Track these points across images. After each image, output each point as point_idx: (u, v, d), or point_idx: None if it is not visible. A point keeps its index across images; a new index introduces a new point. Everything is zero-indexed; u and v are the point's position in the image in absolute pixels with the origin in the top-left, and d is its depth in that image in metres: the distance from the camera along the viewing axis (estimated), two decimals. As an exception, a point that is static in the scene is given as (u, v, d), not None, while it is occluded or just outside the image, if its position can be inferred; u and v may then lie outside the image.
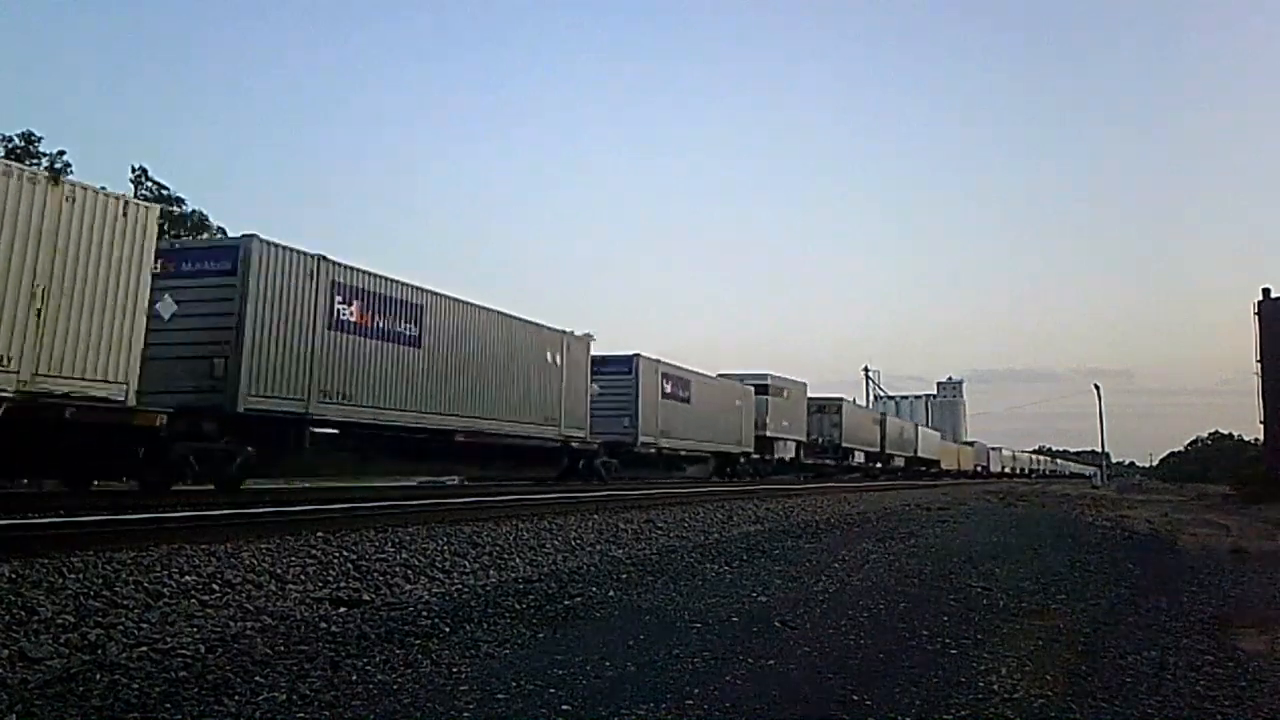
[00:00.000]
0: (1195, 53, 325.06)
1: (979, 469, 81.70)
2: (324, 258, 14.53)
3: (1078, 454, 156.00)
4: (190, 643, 4.17)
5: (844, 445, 43.46)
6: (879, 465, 51.46)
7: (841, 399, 46.20)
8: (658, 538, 10.11)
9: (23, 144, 35.01)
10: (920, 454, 60.74)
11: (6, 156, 29.92)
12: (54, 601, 4.79)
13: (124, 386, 11.03)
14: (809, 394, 41.92)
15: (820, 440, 41.63)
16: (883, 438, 51.56)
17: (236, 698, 3.37)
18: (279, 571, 6.20)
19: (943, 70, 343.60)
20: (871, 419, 52.16)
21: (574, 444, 22.10)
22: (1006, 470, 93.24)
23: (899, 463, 56.21)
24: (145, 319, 11.41)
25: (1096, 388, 79.64)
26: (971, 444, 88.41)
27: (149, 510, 9.15)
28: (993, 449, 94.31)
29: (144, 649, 4.04)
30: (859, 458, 47.33)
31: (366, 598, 5.64)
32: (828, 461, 42.22)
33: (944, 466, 68.21)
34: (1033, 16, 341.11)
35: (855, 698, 3.75)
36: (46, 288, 10.24)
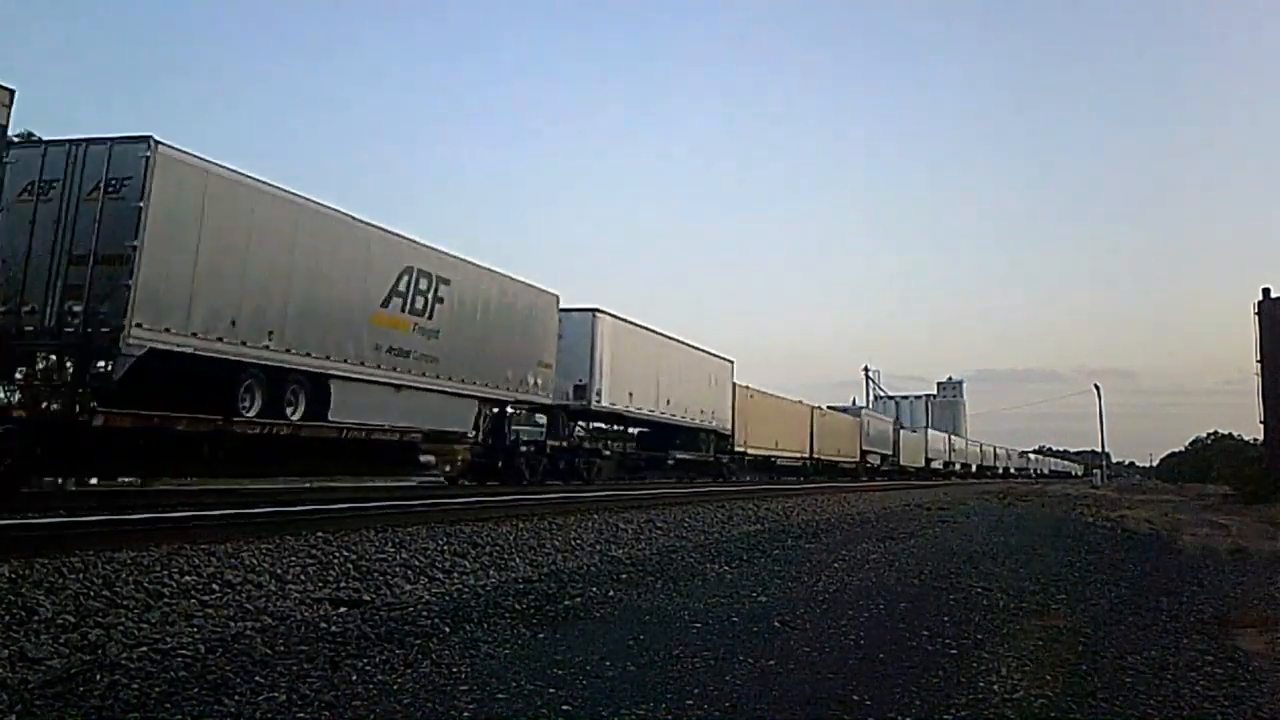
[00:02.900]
0: (1195, 52, 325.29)
1: (882, 463, 50.54)
2: None
3: (1078, 454, 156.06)
4: (190, 643, 4.17)
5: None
6: (514, 446, 19.80)
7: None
8: (658, 538, 10.11)
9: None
10: (704, 423, 28.64)
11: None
12: (54, 601, 4.79)
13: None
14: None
15: None
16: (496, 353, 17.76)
17: (236, 698, 3.37)
18: (279, 571, 6.20)
19: (945, 70, 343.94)
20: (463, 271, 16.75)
21: None
22: (937, 466, 60.94)
23: (618, 441, 24.71)
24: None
25: (1097, 388, 78.43)
26: (851, 411, 52.05)
27: (149, 510, 9.16)
28: (910, 431, 59.18)
29: (144, 649, 4.03)
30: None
31: (366, 598, 5.63)
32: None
33: (786, 448, 36.68)
34: (1035, 16, 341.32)
35: (855, 698, 3.75)
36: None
